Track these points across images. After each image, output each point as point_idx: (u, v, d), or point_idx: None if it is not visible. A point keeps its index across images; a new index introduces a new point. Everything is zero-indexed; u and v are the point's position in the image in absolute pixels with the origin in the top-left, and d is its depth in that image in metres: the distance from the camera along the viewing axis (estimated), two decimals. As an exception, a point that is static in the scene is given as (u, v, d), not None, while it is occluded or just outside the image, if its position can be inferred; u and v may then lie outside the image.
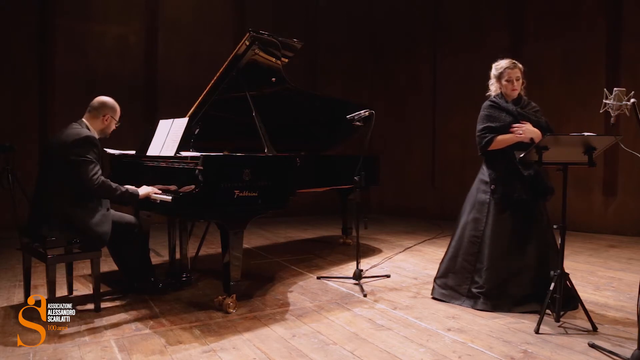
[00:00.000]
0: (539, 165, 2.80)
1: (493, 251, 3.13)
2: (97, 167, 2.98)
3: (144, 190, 3.13)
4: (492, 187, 3.18)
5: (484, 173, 3.28)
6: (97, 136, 3.12)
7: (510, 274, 3.10)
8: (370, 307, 3.23)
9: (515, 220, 3.13)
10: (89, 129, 3.08)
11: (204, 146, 3.69)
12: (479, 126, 3.24)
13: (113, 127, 3.25)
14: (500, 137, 3.12)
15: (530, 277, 3.08)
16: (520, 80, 3.20)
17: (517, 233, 3.12)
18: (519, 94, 3.24)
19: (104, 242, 3.07)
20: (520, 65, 3.21)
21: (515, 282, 3.10)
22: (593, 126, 4.77)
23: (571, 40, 6.36)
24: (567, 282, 2.86)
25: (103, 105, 3.16)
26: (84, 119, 3.13)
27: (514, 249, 3.12)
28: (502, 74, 3.20)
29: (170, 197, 2.94)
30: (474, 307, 3.13)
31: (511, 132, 3.07)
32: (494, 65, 3.27)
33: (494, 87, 3.29)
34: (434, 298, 3.37)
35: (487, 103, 3.28)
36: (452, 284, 3.30)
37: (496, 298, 3.09)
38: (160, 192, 3.17)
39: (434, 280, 3.46)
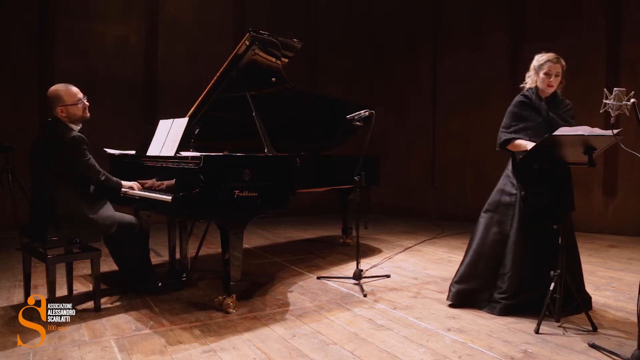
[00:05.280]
0: (539, 166, 2.79)
1: (517, 256, 3.00)
2: (95, 163, 3.07)
3: (127, 184, 3.27)
4: (522, 193, 3.01)
5: (509, 173, 3.12)
6: (77, 128, 3.11)
7: (533, 282, 2.97)
8: (370, 307, 3.23)
9: (541, 227, 2.95)
10: (67, 126, 3.06)
11: (204, 146, 3.69)
12: (504, 121, 3.09)
13: (79, 107, 3.07)
14: (518, 142, 2.97)
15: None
16: (560, 78, 3.02)
17: (543, 241, 2.96)
18: (555, 91, 3.07)
19: (108, 230, 3.09)
20: (564, 62, 3.03)
21: (537, 292, 2.94)
22: (593, 126, 4.75)
23: (571, 40, 6.35)
24: (576, 286, 2.84)
25: (51, 99, 3.06)
26: (56, 117, 3.08)
27: (539, 256, 2.97)
28: (542, 66, 3.01)
29: (170, 197, 2.94)
30: (493, 312, 3.02)
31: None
32: (536, 56, 3.10)
33: (530, 80, 3.12)
34: (451, 305, 3.20)
35: (518, 98, 3.12)
36: (473, 289, 3.13)
37: (518, 305, 2.99)
38: (135, 188, 3.28)
39: (451, 284, 3.25)
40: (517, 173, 3.07)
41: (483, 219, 3.19)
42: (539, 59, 3.07)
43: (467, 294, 3.17)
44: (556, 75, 3.02)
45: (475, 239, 3.18)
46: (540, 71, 3.04)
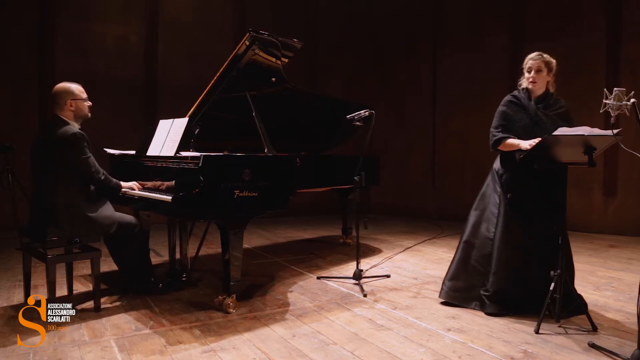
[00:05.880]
0: (539, 167, 2.79)
1: (500, 255, 3.01)
2: (95, 161, 3.06)
3: (126, 184, 3.28)
4: (509, 195, 3.02)
5: (497, 171, 3.14)
6: (78, 126, 3.11)
7: (517, 281, 2.99)
8: (370, 307, 3.23)
9: (526, 226, 2.99)
10: (69, 123, 3.07)
11: (204, 146, 3.69)
12: (494, 122, 3.08)
13: (85, 106, 3.15)
14: (510, 141, 2.95)
15: (538, 290, 2.93)
16: (543, 73, 2.99)
17: (528, 240, 2.98)
18: (548, 91, 3.05)
19: (108, 229, 3.09)
20: (548, 59, 3.02)
21: (522, 292, 2.99)
22: (593, 126, 4.76)
23: (571, 40, 6.35)
24: (572, 288, 2.86)
25: (59, 94, 3.09)
26: (59, 115, 3.09)
27: (527, 256, 2.98)
28: (524, 65, 3.04)
29: (170, 197, 2.94)
30: (482, 310, 3.05)
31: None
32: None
33: (523, 83, 3.11)
34: (443, 303, 3.24)
35: (506, 98, 3.11)
36: (464, 287, 3.16)
37: (502, 302, 3.01)
38: (136, 188, 3.29)
39: (443, 282, 3.29)
40: (506, 173, 3.07)
41: (472, 216, 3.22)
42: (525, 60, 3.09)
43: (457, 291, 3.20)
44: (537, 71, 3.00)
45: (465, 237, 3.22)
46: (524, 70, 3.06)
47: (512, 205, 3.02)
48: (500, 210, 3.06)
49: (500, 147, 3.03)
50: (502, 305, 3.02)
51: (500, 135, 3.01)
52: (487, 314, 3.02)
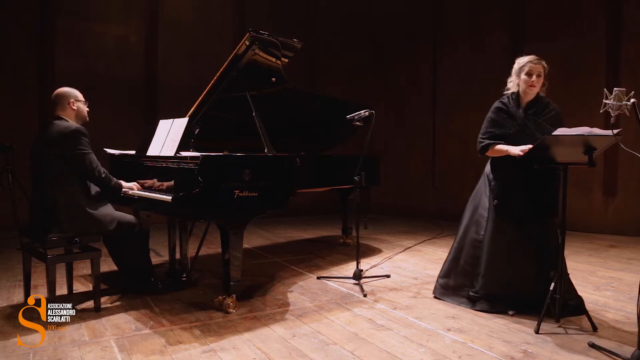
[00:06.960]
0: (539, 166, 2.79)
1: (489, 258, 3.06)
2: (94, 157, 3.08)
3: (127, 184, 3.30)
4: (495, 202, 3.05)
5: (487, 175, 3.18)
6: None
7: (506, 284, 3.03)
8: (370, 307, 3.23)
9: (514, 230, 3.02)
10: (69, 122, 3.12)
11: (204, 146, 3.69)
12: (482, 128, 3.10)
13: (85, 108, 3.26)
14: (498, 147, 2.98)
15: (527, 292, 3.01)
16: (542, 79, 2.98)
17: (516, 243, 3.02)
18: (538, 95, 3.04)
19: (107, 226, 3.09)
20: (545, 64, 3.00)
21: (510, 294, 3.04)
22: (593, 126, 4.75)
23: (571, 40, 6.35)
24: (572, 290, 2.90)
25: (62, 95, 3.17)
26: (60, 115, 3.15)
27: (512, 259, 3.02)
28: (523, 67, 2.99)
29: (170, 197, 2.94)
30: (472, 308, 3.12)
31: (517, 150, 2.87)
32: (517, 60, 3.07)
33: (512, 85, 3.10)
34: (435, 297, 3.37)
35: (496, 104, 3.12)
36: (453, 285, 3.27)
37: (491, 301, 3.07)
38: (135, 188, 3.31)
39: (437, 279, 3.43)
40: (494, 180, 3.11)
41: (464, 218, 3.29)
42: (519, 61, 3.05)
43: (447, 288, 3.32)
44: (538, 76, 2.98)
45: (457, 237, 3.30)
46: (521, 73, 3.02)
47: (498, 212, 3.06)
48: (490, 214, 3.11)
49: (489, 154, 3.06)
50: (491, 304, 3.08)
51: (487, 141, 3.04)
52: (478, 310, 3.09)
